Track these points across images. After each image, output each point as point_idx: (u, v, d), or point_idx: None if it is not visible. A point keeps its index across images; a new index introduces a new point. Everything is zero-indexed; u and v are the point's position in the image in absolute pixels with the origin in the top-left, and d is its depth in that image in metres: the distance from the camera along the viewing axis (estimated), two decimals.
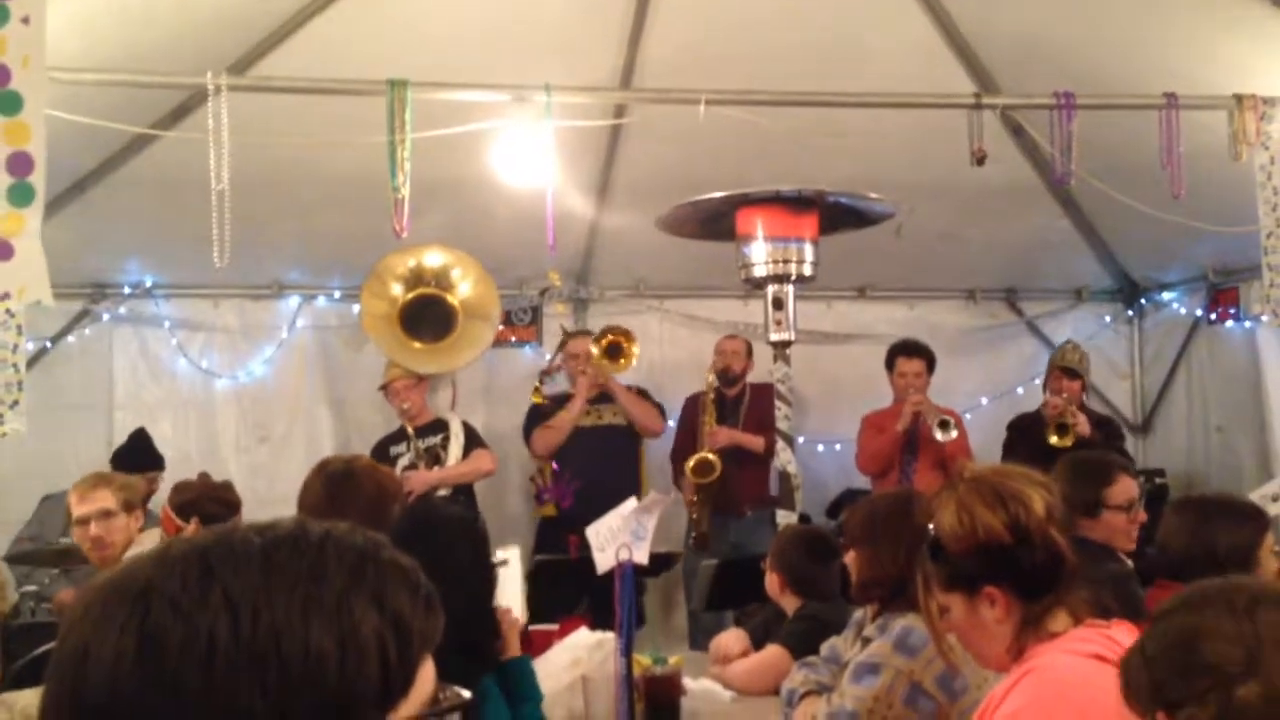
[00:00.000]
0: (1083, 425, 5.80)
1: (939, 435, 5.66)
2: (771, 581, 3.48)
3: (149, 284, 6.19)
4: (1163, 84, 4.30)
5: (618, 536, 2.56)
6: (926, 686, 2.60)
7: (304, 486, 3.15)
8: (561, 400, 5.96)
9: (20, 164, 3.34)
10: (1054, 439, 5.77)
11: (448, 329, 5.65)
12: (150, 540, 3.75)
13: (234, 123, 3.79)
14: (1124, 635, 2.02)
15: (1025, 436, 5.99)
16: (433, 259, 5.53)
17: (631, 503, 2.74)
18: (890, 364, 5.96)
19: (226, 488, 3.89)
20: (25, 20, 3.27)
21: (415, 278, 5.66)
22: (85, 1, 3.64)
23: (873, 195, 4.27)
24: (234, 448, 6.30)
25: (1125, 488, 3.32)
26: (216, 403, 6.30)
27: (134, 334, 6.24)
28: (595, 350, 5.77)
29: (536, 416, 5.91)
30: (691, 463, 5.80)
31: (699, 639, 5.90)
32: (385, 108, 3.77)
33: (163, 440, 6.15)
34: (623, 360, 5.82)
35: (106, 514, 3.78)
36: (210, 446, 6.27)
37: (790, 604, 3.45)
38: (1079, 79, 4.49)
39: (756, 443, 5.75)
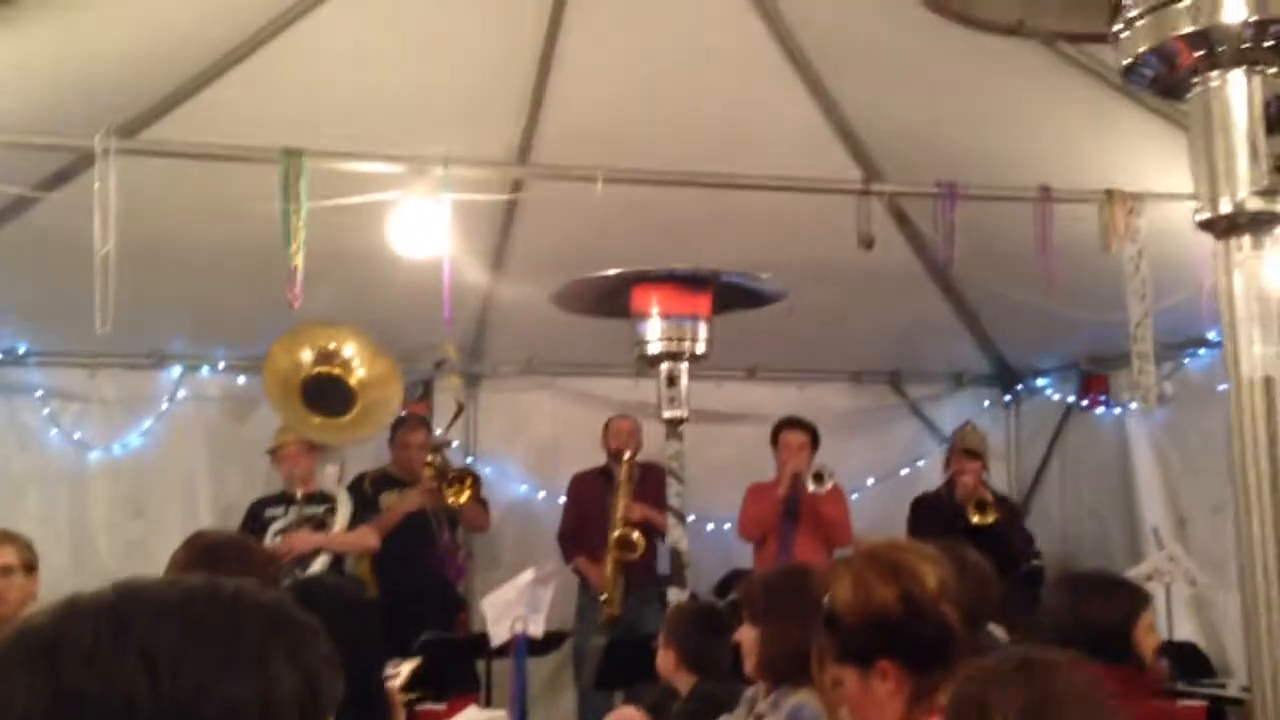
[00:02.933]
0: (994, 502, 5.97)
1: (812, 487, 5.77)
2: (665, 659, 3.45)
3: (21, 351, 5.96)
4: (1039, 176, 4.50)
5: (513, 608, 2.52)
6: None
7: (171, 561, 3.07)
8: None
9: None
10: (975, 517, 5.91)
11: (346, 408, 5.59)
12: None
13: (122, 187, 3.71)
14: None
15: (931, 516, 6.11)
16: (344, 345, 5.51)
17: (529, 574, 2.70)
18: (775, 438, 6.05)
19: None
20: None
21: (322, 355, 5.60)
22: None
23: (765, 276, 4.36)
24: (105, 523, 6.07)
25: None
26: (89, 476, 6.07)
27: (3, 403, 5.98)
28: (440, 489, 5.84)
29: (360, 507, 5.78)
30: (615, 538, 5.81)
31: (589, 716, 5.84)
32: (279, 176, 3.72)
33: (29, 515, 5.90)
34: (462, 491, 5.87)
35: (7, 570, 3.63)
36: (80, 522, 6.03)
37: (684, 682, 3.42)
38: (960, 169, 4.67)
39: (663, 522, 5.76)
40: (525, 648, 2.34)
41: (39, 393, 6.02)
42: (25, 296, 5.52)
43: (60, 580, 5.63)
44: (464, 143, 4.11)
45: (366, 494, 5.85)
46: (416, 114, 4.40)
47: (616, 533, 5.84)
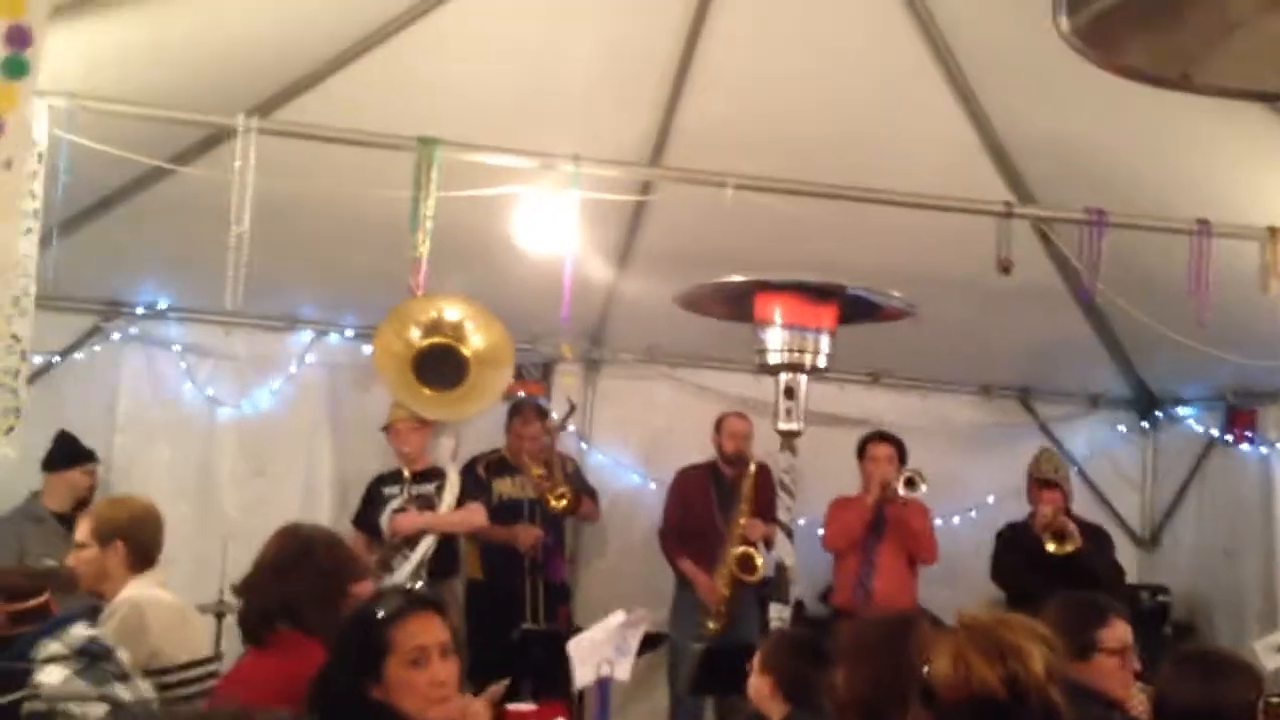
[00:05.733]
0: (1076, 533, 5.72)
1: (903, 491, 5.60)
2: (760, 685, 3.36)
3: (163, 305, 6.15)
4: (1197, 208, 4.26)
5: (600, 650, 2.49)
6: None
7: (266, 545, 3.13)
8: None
9: (16, 37, 3.20)
10: (1052, 546, 5.68)
11: (459, 380, 5.59)
12: (144, 585, 3.65)
13: (260, 159, 3.77)
14: None
15: (1014, 545, 5.90)
16: (452, 312, 5.49)
17: (619, 616, 2.66)
18: (861, 451, 5.91)
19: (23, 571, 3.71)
20: None
21: (433, 326, 5.62)
22: (120, 33, 3.63)
23: (894, 293, 4.23)
24: (230, 478, 6.23)
25: (1119, 632, 3.21)
26: (217, 431, 6.24)
27: (143, 354, 6.19)
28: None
29: (472, 490, 5.78)
30: (736, 556, 5.76)
31: (682, 718, 5.82)
32: (413, 164, 3.73)
33: (161, 465, 6.12)
34: (562, 500, 5.89)
35: (80, 546, 3.69)
36: (206, 475, 6.21)
37: (776, 710, 3.33)
38: (1113, 193, 4.46)
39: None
40: (610, 691, 2.30)
41: (176, 346, 6.20)
42: (169, 253, 5.69)
43: (184, 533, 5.87)
44: (594, 139, 4.07)
45: (480, 477, 5.89)
46: (548, 108, 4.37)
47: (738, 551, 5.76)
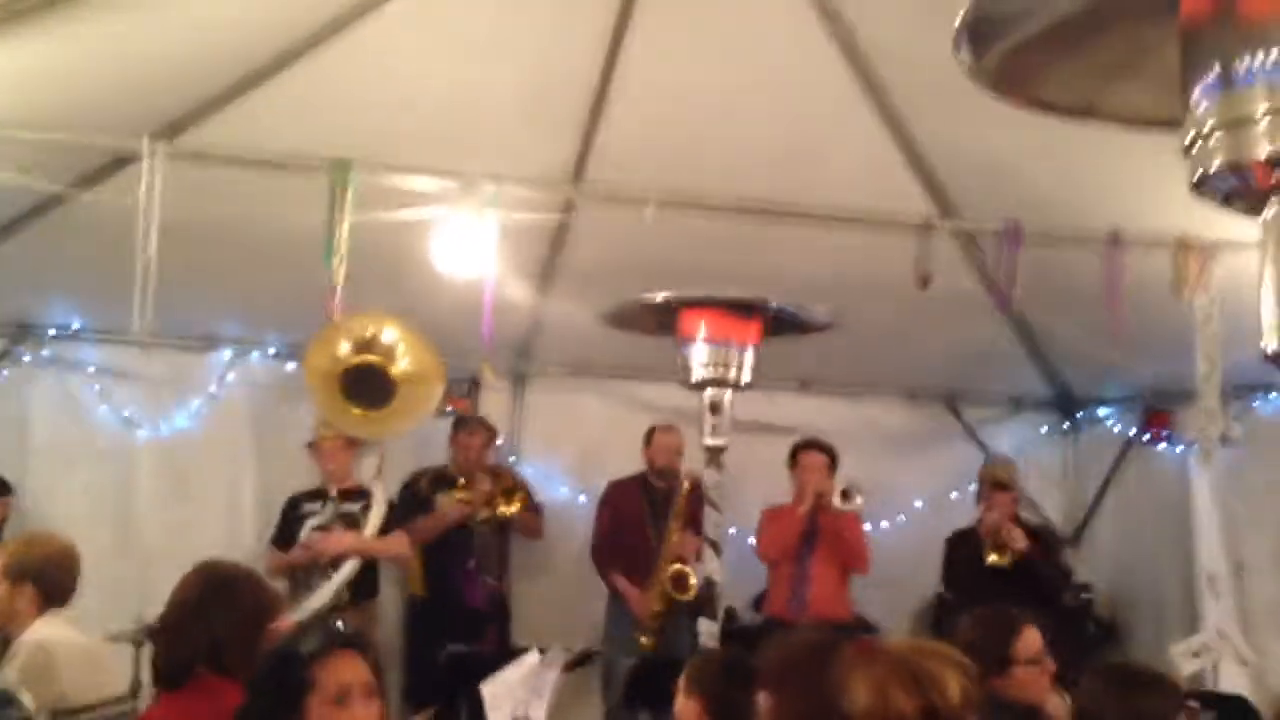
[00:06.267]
0: (1019, 541, 5.81)
1: (839, 503, 5.59)
2: (687, 708, 3.33)
3: (76, 326, 5.99)
4: (1111, 218, 4.32)
5: (514, 693, 2.45)
6: None
7: (181, 583, 3.02)
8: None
9: None
10: (992, 557, 5.76)
11: (386, 399, 5.53)
12: (52, 624, 3.54)
13: (171, 180, 3.68)
14: None
15: (962, 555, 5.99)
16: (386, 333, 5.45)
17: (533, 658, 2.63)
18: (793, 459, 5.91)
19: None
20: None
21: (362, 345, 5.54)
22: (16, 58, 3.51)
23: (817, 307, 4.25)
24: (150, 502, 6.09)
25: (1031, 641, 3.29)
26: (136, 454, 6.10)
27: (55, 377, 6.02)
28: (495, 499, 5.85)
29: (413, 505, 5.82)
30: (670, 574, 5.76)
31: None
32: (326, 188, 3.67)
33: (77, 490, 5.97)
34: (513, 502, 5.89)
35: None
36: (125, 499, 6.07)
37: None
38: (1032, 206, 4.51)
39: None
40: None
41: (90, 368, 6.05)
42: (81, 274, 5.53)
43: (104, 559, 5.72)
44: (514, 159, 4.02)
45: (421, 492, 5.84)
46: (467, 128, 4.31)
47: (672, 569, 5.76)
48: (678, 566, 5.77)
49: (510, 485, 5.91)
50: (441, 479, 5.96)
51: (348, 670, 2.47)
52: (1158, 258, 4.49)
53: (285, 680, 2.44)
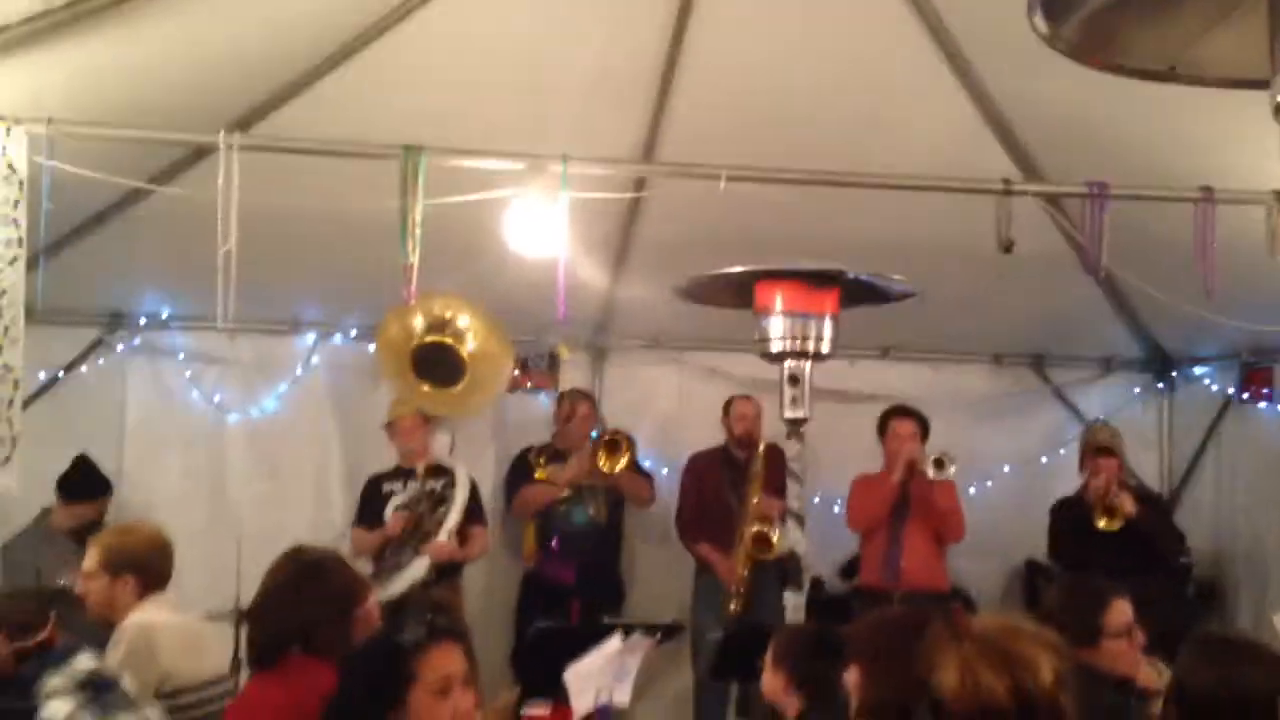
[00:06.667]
0: (1127, 505, 5.68)
1: (932, 473, 5.52)
2: (773, 681, 3.33)
3: (165, 315, 6.13)
4: (1202, 176, 4.17)
5: (598, 678, 2.46)
6: None
7: (271, 568, 3.11)
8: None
9: None
10: (1101, 523, 5.63)
11: (456, 379, 5.59)
12: (153, 609, 3.64)
13: (247, 170, 3.73)
14: None
15: (1069, 522, 5.87)
16: (450, 313, 5.49)
17: (615, 643, 2.63)
18: (883, 428, 5.84)
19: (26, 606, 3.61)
20: None
21: (434, 326, 5.60)
22: (95, 55, 3.58)
23: (896, 276, 4.16)
24: (241, 483, 6.24)
25: (1121, 613, 3.24)
26: (227, 437, 6.24)
27: (148, 366, 6.18)
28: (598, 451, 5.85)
29: (522, 474, 5.86)
30: (751, 535, 5.75)
31: (707, 703, 5.81)
32: (398, 173, 3.68)
33: (172, 473, 6.14)
34: (619, 458, 5.87)
35: (89, 575, 3.67)
36: (218, 482, 6.22)
37: (792, 706, 3.30)
38: (1118, 162, 4.37)
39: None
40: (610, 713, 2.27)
41: (180, 355, 6.20)
42: (167, 264, 5.65)
43: (200, 539, 5.88)
44: (585, 139, 4.00)
45: (531, 465, 5.91)
46: (537, 109, 4.29)
47: (754, 529, 5.75)
48: (758, 527, 5.75)
49: (612, 439, 5.87)
50: (551, 453, 6.00)
51: (449, 661, 2.51)
52: (1252, 214, 4.33)
53: (388, 672, 2.48)
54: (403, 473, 5.66)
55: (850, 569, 6.59)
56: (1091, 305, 6.23)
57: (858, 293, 4.30)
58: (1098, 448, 5.96)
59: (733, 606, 5.76)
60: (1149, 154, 4.42)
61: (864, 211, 4.86)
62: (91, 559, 3.66)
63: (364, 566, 5.17)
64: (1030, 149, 4.80)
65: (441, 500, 5.49)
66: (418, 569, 5.33)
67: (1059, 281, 5.90)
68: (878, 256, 4.31)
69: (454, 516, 5.49)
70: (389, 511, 5.51)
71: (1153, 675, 3.52)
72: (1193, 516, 6.75)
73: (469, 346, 5.44)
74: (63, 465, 5.55)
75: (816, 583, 6.07)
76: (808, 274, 4.09)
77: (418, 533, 5.44)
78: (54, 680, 3.03)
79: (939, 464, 5.53)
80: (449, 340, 5.43)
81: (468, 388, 5.44)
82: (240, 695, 3.21)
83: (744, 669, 4.62)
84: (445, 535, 5.46)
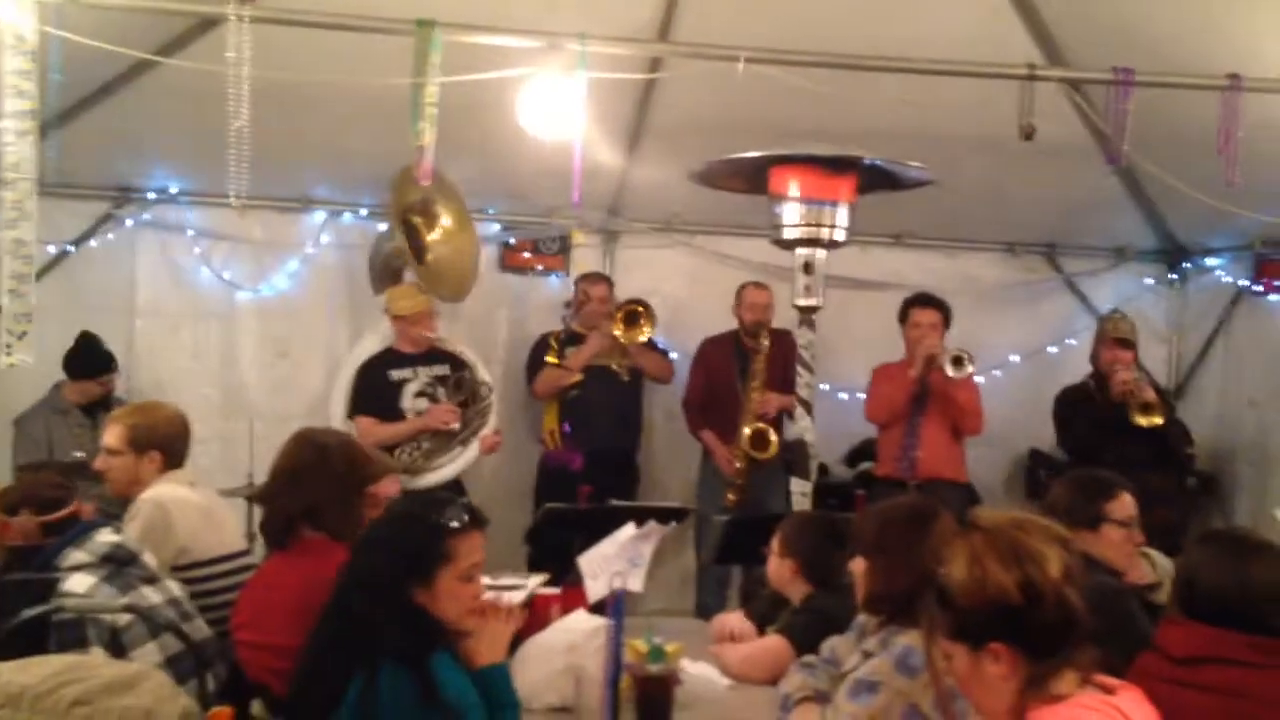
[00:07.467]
0: (1150, 397, 5.58)
1: (951, 371, 5.44)
2: (780, 567, 3.39)
3: (174, 190, 6.08)
4: (1227, 62, 4.08)
5: (612, 564, 2.50)
6: (925, 709, 2.54)
7: (281, 451, 3.19)
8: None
9: None
10: (1140, 420, 5.53)
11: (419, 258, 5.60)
12: (170, 485, 3.70)
13: (258, 43, 3.65)
14: (1129, 703, 1.96)
15: (1079, 410, 5.77)
16: (445, 214, 5.50)
17: (629, 530, 2.66)
18: (904, 316, 5.76)
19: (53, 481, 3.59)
20: None
21: (424, 205, 5.59)
22: None
23: (913, 163, 4.11)
24: (253, 361, 6.27)
25: (1125, 505, 3.30)
26: (237, 314, 6.25)
27: (157, 240, 6.16)
28: (616, 321, 5.81)
29: (543, 357, 5.88)
30: (749, 434, 5.76)
31: (709, 586, 5.92)
32: (412, 49, 3.61)
33: (184, 350, 6.16)
34: (640, 329, 5.85)
35: (111, 452, 3.72)
36: (229, 358, 6.25)
37: (798, 591, 3.37)
38: (1143, 49, 4.27)
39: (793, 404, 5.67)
40: (623, 604, 2.32)
41: (190, 231, 6.17)
42: (176, 138, 5.59)
43: (213, 417, 5.94)
44: (600, 18, 3.90)
45: (552, 346, 5.90)
46: None
47: (750, 429, 5.76)
48: (757, 425, 5.77)
49: (631, 310, 5.84)
50: (571, 336, 5.97)
51: (477, 549, 2.61)
52: (1273, 104, 4.25)
53: (425, 550, 2.54)
54: (408, 359, 5.51)
55: (855, 456, 6.65)
56: (1107, 194, 6.16)
57: (874, 179, 4.26)
58: (1117, 339, 5.82)
59: (731, 497, 5.82)
60: (1174, 40, 4.32)
61: (883, 98, 4.77)
62: (116, 436, 3.71)
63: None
64: (1054, 33, 4.69)
65: (460, 385, 5.48)
66: (470, 455, 5.40)
67: (1075, 171, 5.81)
68: (895, 144, 4.25)
69: (494, 410, 5.52)
70: (406, 400, 5.44)
71: (1146, 572, 3.59)
72: (1197, 409, 6.77)
73: (432, 236, 5.47)
74: (73, 341, 5.57)
75: (823, 469, 6.12)
76: (824, 160, 4.04)
77: (465, 428, 5.44)
78: (76, 554, 3.10)
79: (957, 361, 5.45)
80: (418, 221, 5.46)
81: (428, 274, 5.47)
82: (257, 573, 3.28)
83: (747, 555, 4.71)
84: (490, 428, 5.49)
